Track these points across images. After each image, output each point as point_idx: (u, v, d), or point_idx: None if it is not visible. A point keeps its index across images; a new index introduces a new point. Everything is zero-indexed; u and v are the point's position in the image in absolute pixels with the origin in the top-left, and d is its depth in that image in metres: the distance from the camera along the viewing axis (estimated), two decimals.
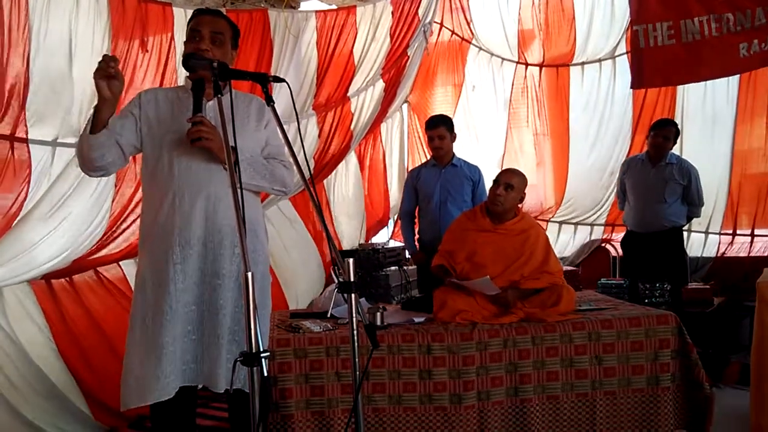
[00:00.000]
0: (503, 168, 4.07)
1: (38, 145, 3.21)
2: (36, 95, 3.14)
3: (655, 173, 4.61)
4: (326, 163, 5.15)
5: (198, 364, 2.25)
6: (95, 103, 2.20)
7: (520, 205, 3.46)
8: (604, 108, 5.98)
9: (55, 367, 3.45)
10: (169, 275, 2.26)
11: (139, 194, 3.55)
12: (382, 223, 6.44)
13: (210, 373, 2.24)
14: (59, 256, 3.43)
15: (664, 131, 4.60)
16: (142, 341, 2.25)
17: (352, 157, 5.82)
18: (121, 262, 3.85)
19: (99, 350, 3.62)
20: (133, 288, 3.73)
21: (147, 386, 2.20)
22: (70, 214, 3.40)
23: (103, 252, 3.66)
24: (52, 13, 3.18)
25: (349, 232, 5.95)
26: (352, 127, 5.26)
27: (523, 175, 3.42)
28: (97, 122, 2.20)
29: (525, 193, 3.43)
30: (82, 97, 3.36)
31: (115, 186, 3.58)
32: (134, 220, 3.67)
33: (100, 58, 2.15)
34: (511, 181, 3.33)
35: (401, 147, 6.52)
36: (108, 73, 2.09)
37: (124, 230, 3.69)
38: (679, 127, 5.59)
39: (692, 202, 4.62)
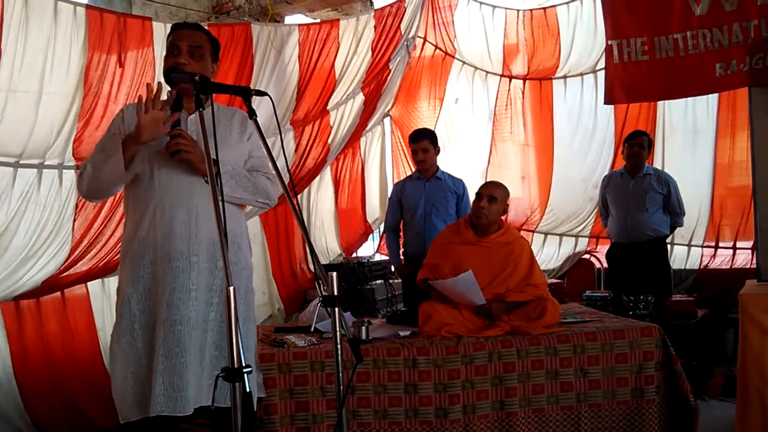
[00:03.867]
0: (487, 180, 4.08)
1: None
2: (1, 111, 3.12)
3: (635, 184, 4.73)
4: (302, 178, 5.14)
5: (167, 388, 2.19)
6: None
7: (503, 217, 3.47)
8: (587, 121, 6.02)
9: (6, 392, 3.43)
10: (151, 289, 2.24)
11: (104, 212, 3.54)
12: (364, 237, 6.43)
13: (186, 394, 2.20)
14: (25, 278, 3.43)
15: (638, 140, 4.77)
16: (131, 354, 2.23)
17: (327, 172, 5.80)
18: (88, 282, 3.84)
19: (51, 376, 3.62)
20: (93, 307, 3.73)
21: (143, 399, 2.19)
22: (35, 235, 3.40)
23: (72, 271, 3.64)
24: (30, 27, 3.16)
25: (330, 247, 5.94)
26: (330, 140, 5.25)
27: (505, 187, 3.43)
28: (128, 159, 2.21)
29: (508, 205, 3.45)
30: (52, 116, 3.34)
31: (76, 206, 3.56)
32: (100, 240, 3.66)
33: (145, 92, 2.17)
34: (493, 193, 3.34)
35: (381, 161, 6.52)
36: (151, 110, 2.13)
37: (91, 249, 3.67)
38: (661, 140, 5.69)
39: (674, 211, 4.72)
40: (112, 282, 3.82)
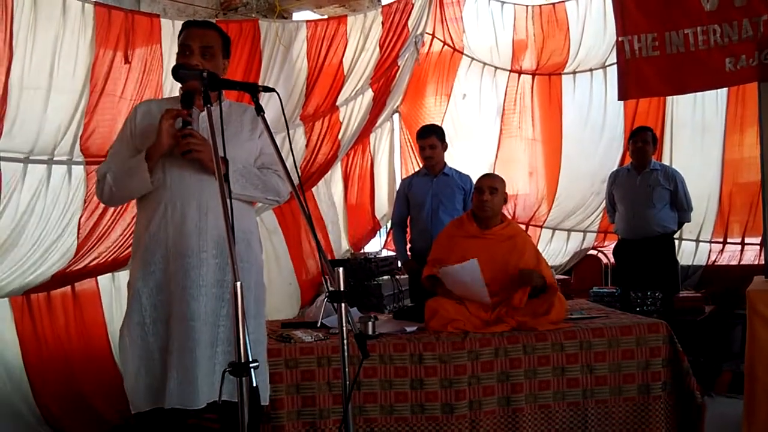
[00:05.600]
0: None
1: (9, 162, 3.23)
2: (12, 108, 3.14)
3: (641, 180, 4.73)
4: (313, 173, 5.15)
5: (181, 382, 2.21)
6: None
7: (504, 211, 3.49)
8: (596, 116, 6.01)
9: (16, 386, 3.46)
10: (162, 284, 2.26)
11: (113, 207, 3.55)
12: (372, 233, 6.44)
13: (196, 388, 2.22)
14: (35, 272, 3.45)
15: (642, 136, 4.78)
16: (142, 347, 2.25)
17: (337, 168, 5.81)
18: (98, 277, 3.86)
19: (61, 371, 3.64)
20: (103, 301, 3.74)
21: (155, 391, 2.22)
22: (45, 230, 3.42)
23: (81, 265, 3.66)
24: (39, 24, 3.18)
25: (338, 242, 5.95)
26: (340, 136, 5.26)
27: (502, 178, 3.49)
28: (151, 169, 2.25)
29: (507, 194, 3.47)
30: (61, 112, 3.36)
31: (84, 201, 3.58)
32: (110, 234, 3.69)
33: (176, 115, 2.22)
34: (493, 184, 3.39)
35: (390, 156, 6.53)
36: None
37: (101, 243, 3.69)
38: (670, 136, 5.66)
39: (681, 206, 4.72)
40: (122, 276, 3.85)
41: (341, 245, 5.99)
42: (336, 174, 5.85)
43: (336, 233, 5.91)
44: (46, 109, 3.29)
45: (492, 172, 6.02)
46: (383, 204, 6.44)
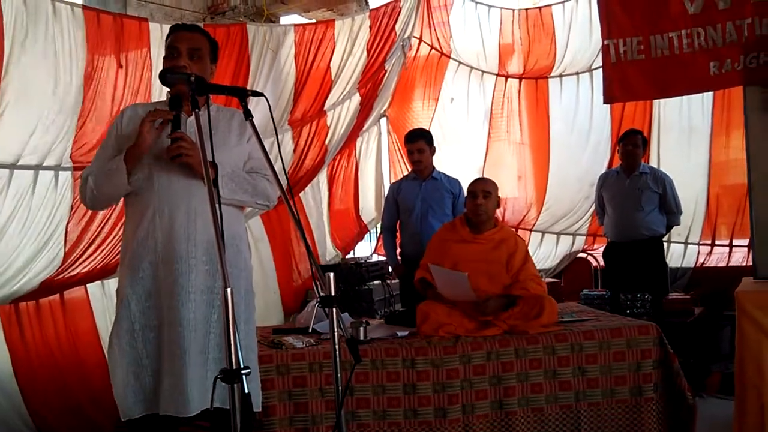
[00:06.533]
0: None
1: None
2: (2, 113, 3.12)
3: (630, 183, 4.74)
4: (300, 178, 5.14)
5: (172, 388, 2.20)
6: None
7: (497, 216, 3.49)
8: (583, 119, 6.04)
9: (8, 396, 3.43)
10: (151, 291, 2.24)
11: (102, 214, 3.53)
12: (359, 237, 6.43)
13: (187, 396, 2.20)
14: (22, 280, 3.41)
15: (632, 139, 4.80)
16: (131, 355, 2.22)
17: (323, 171, 5.80)
18: (87, 284, 3.83)
19: (53, 379, 3.61)
20: (94, 309, 3.71)
21: (145, 397, 2.20)
22: (31, 237, 3.39)
23: (70, 273, 3.63)
24: (29, 29, 3.15)
25: (325, 247, 5.94)
26: (327, 141, 5.25)
27: (494, 182, 3.49)
28: (130, 171, 2.23)
29: (499, 197, 3.48)
30: (51, 118, 3.33)
31: (71, 208, 3.55)
32: (98, 242, 3.66)
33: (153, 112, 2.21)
34: (486, 188, 3.39)
35: (378, 161, 6.53)
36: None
37: (89, 250, 3.66)
38: (657, 139, 5.70)
39: (670, 210, 4.74)
40: (112, 284, 3.81)
41: (326, 249, 5.98)
42: (321, 178, 5.84)
43: (321, 237, 5.90)
44: (36, 115, 3.26)
45: (482, 175, 6.06)
46: (370, 208, 6.44)
